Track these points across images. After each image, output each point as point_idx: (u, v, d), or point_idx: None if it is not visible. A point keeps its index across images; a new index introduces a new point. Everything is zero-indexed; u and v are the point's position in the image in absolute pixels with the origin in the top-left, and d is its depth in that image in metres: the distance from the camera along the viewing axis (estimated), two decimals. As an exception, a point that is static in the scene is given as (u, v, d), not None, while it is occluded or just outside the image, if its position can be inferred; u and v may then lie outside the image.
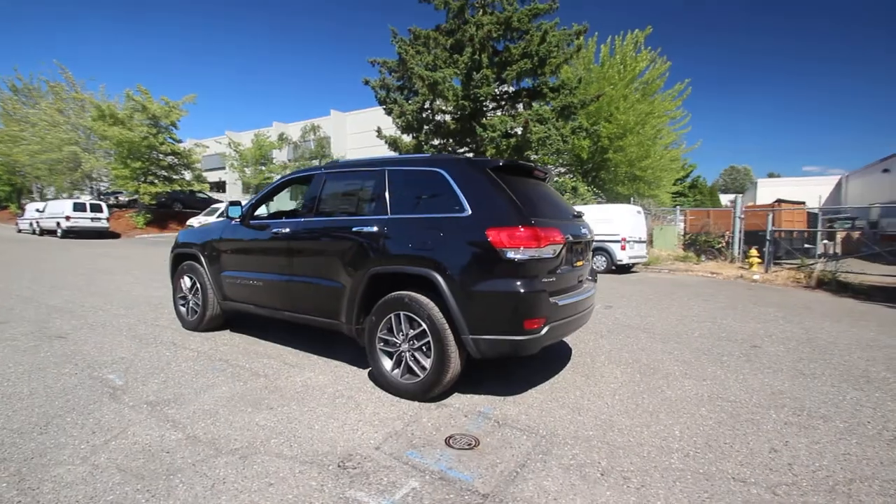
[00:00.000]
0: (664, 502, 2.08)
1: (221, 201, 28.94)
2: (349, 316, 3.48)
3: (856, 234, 18.30)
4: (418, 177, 3.34)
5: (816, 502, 2.13)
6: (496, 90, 17.50)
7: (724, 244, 15.41)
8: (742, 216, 14.59)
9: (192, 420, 2.81)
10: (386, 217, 3.32)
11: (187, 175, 26.33)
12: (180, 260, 4.98)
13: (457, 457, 2.45)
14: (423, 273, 3.02)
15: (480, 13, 17.88)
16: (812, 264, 11.27)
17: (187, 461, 2.34)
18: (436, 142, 18.89)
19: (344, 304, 3.49)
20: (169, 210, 26.64)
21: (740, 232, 14.59)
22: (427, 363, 3.06)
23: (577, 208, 4.31)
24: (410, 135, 18.86)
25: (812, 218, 16.79)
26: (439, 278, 2.95)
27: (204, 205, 27.55)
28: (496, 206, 2.96)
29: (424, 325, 3.04)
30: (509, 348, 2.91)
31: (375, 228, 3.32)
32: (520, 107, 19.02)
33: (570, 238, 3.21)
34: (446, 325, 2.97)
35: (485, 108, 17.91)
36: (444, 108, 18.72)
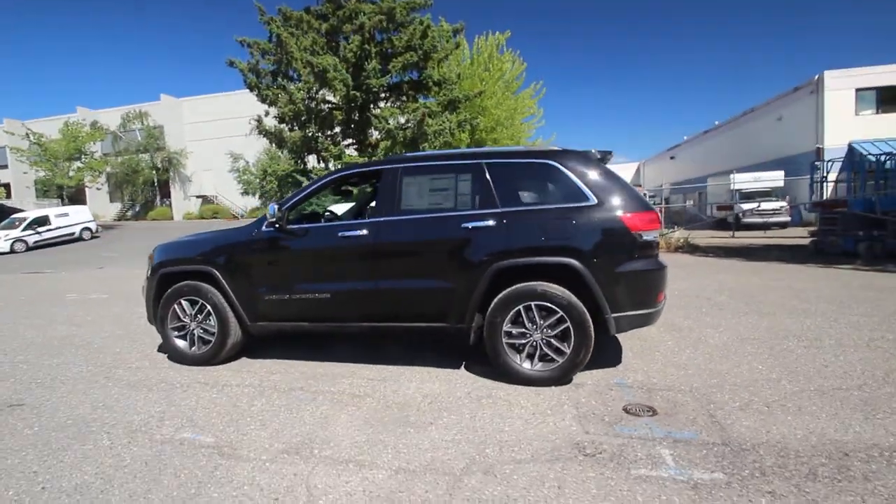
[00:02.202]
0: (827, 415, 2.68)
1: (21, 210, 22.30)
2: (461, 316, 3.34)
3: (662, 208, 23.55)
4: (527, 169, 3.38)
5: (888, 392, 2.98)
6: (385, 83, 17.21)
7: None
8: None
9: (369, 454, 2.43)
10: (500, 210, 3.27)
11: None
12: (170, 282, 3.95)
13: (658, 422, 2.68)
14: (562, 262, 3.11)
15: (355, 1, 17.30)
16: (668, 233, 14.18)
17: (435, 493, 2.08)
18: (320, 134, 17.78)
19: (454, 304, 3.33)
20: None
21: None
22: (565, 348, 3.17)
23: None
24: (294, 126, 17.33)
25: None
26: (580, 265, 3.08)
27: (-7, 216, 20.91)
28: (621, 194, 3.21)
29: (561, 312, 3.14)
30: (642, 321, 3.23)
31: (492, 222, 3.25)
32: (403, 99, 19.13)
33: None
34: (584, 309, 3.13)
35: (378, 99, 17.50)
36: (328, 97, 17.72)
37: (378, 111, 17.49)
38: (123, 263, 14.52)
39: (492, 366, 3.40)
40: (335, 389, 3.34)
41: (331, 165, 18.38)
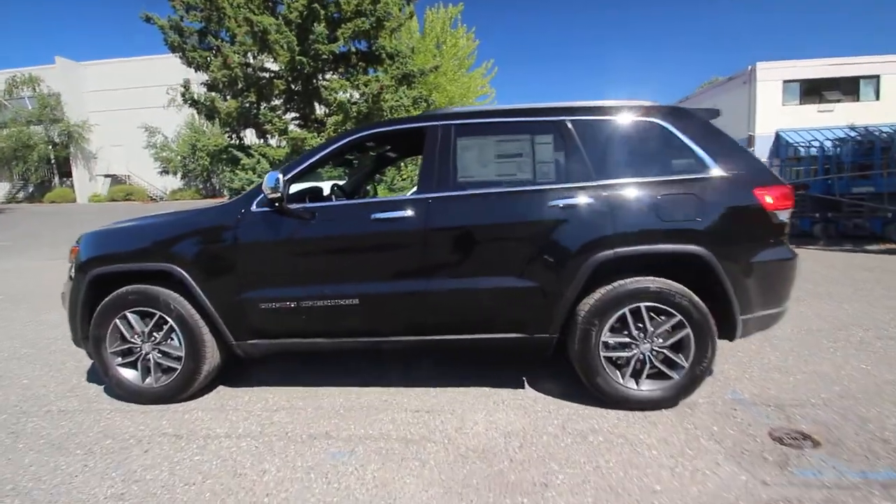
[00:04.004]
0: None
1: None
2: (545, 323, 2.52)
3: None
4: (625, 129, 2.58)
5: None
6: (335, 50, 15.53)
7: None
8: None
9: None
10: (599, 183, 2.47)
11: None
12: (107, 286, 2.72)
13: (834, 458, 2.06)
14: (687, 251, 2.38)
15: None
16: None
17: None
18: (261, 106, 15.78)
19: (537, 309, 2.50)
20: None
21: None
22: (681, 360, 2.48)
23: None
24: (227, 95, 15.19)
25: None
26: (710, 254, 2.37)
27: None
28: (747, 162, 2.53)
29: (680, 316, 2.43)
30: (769, 323, 2.60)
31: (591, 199, 2.44)
32: (352, 71, 17.53)
33: None
34: (707, 310, 2.44)
35: (325, 69, 15.81)
36: (267, 64, 15.70)
37: (326, 82, 15.86)
38: (20, 254, 11.97)
39: (582, 384, 2.64)
40: (376, 432, 2.40)
41: (273, 141, 16.52)
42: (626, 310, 2.45)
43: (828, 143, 10.91)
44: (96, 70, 29.89)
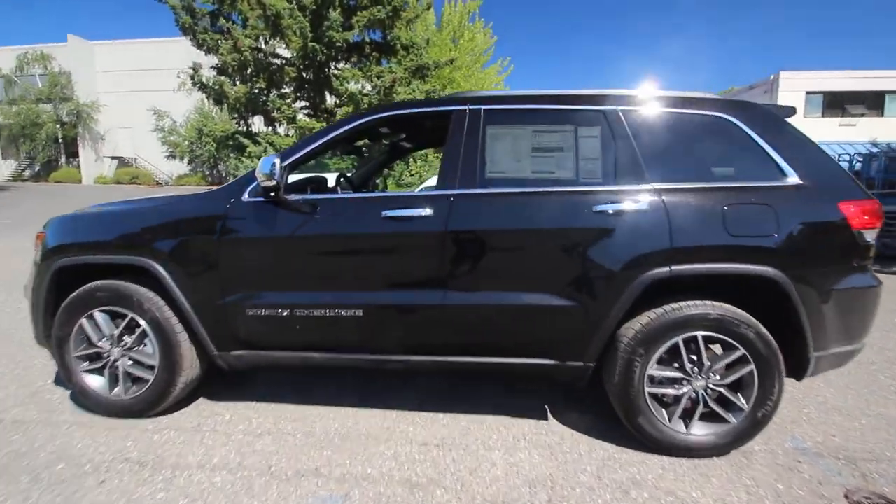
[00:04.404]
0: None
1: None
2: (580, 349, 2.14)
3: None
4: (690, 125, 2.18)
5: None
6: (350, 38, 15.14)
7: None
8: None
9: None
10: (653, 186, 2.08)
11: None
12: (74, 279, 2.36)
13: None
14: (758, 273, 1.99)
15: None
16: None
17: None
18: (271, 93, 15.43)
19: (572, 332, 2.12)
20: None
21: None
22: (740, 402, 2.09)
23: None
24: (237, 79, 14.84)
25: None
26: (785, 278, 1.98)
27: None
28: (831, 171, 2.14)
29: (743, 350, 2.04)
30: (843, 361, 2.21)
31: (644, 206, 2.05)
32: (365, 62, 17.14)
33: None
34: (776, 345, 2.06)
35: (338, 58, 15.44)
36: (278, 50, 15.35)
37: (338, 72, 15.48)
38: (19, 232, 11.67)
39: (616, 418, 2.26)
40: (375, 471, 2.02)
41: (281, 130, 16.18)
42: (679, 339, 2.06)
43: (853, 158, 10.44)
44: (108, 50, 29.64)
